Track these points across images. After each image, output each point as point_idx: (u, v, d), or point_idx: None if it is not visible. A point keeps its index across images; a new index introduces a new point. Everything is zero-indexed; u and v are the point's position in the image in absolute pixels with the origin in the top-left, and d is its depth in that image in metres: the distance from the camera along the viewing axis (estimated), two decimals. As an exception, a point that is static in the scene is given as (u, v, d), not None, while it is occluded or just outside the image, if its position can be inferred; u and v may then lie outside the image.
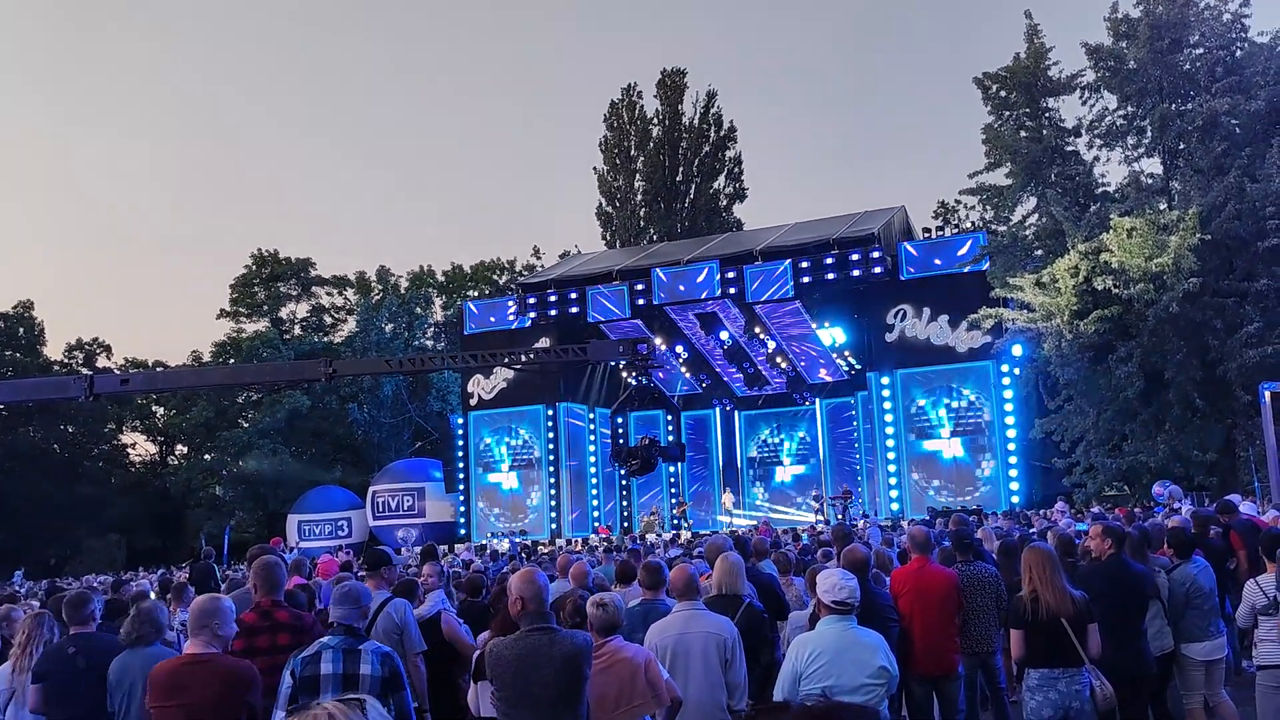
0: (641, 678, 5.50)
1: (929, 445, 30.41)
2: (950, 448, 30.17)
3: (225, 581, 13.97)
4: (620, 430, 39.27)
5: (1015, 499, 28.55)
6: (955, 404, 30.21)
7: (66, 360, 55.47)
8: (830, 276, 30.52)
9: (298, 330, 59.15)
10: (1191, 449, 23.51)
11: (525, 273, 57.36)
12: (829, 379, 36.57)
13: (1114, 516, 15.78)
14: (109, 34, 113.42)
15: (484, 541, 32.15)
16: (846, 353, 33.43)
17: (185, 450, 59.81)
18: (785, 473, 38.96)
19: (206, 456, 55.96)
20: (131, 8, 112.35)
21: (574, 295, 33.82)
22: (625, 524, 38.00)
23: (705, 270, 32.18)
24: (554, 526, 34.70)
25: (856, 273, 30.29)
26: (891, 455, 30.59)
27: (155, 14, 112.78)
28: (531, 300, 34.55)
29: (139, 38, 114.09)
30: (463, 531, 36.08)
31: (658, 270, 32.85)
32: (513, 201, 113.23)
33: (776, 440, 39.25)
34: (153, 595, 10.68)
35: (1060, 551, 7.65)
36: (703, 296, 32.43)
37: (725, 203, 55.68)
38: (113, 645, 6.47)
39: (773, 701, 5.72)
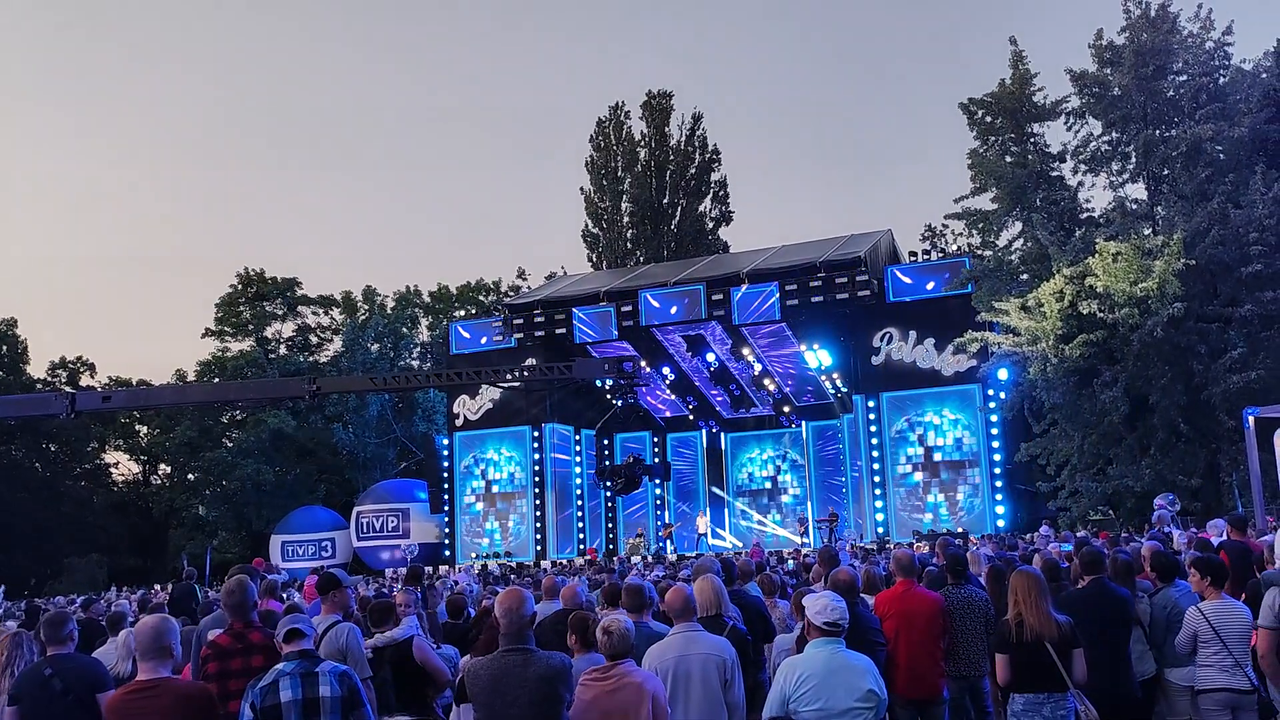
0: (648, 708, 5.47)
1: (914, 468, 30.45)
2: (936, 470, 30.22)
3: (204, 602, 13.85)
4: (606, 451, 39.24)
5: (1000, 522, 28.60)
6: (940, 427, 30.28)
7: (50, 379, 55.20)
8: (816, 299, 30.57)
9: (283, 350, 58.98)
10: (1176, 473, 23.57)
11: (511, 294, 57.34)
12: (815, 401, 36.62)
13: (1097, 540, 15.76)
14: (94, 51, 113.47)
15: (469, 562, 32.05)
16: (833, 375, 33.49)
17: (168, 470, 59.49)
18: (771, 495, 38.94)
19: (190, 476, 55.67)
20: (115, 26, 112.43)
21: (560, 316, 33.79)
22: (610, 545, 37.94)
23: (692, 292, 32.20)
24: (539, 548, 34.59)
25: (843, 296, 30.34)
26: (877, 478, 30.63)
27: (140, 33, 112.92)
28: (518, 321, 34.49)
29: (125, 56, 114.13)
30: (448, 553, 35.95)
31: (644, 292, 32.86)
32: (499, 222, 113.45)
33: (762, 462, 39.24)
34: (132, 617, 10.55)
35: (1046, 576, 7.61)
36: (689, 318, 32.43)
37: (711, 225, 55.76)
38: (91, 666, 6.38)
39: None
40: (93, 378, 56.68)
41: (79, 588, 41.53)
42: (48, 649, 6.37)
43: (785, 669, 5.69)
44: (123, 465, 61.20)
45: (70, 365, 56.60)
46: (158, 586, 29.57)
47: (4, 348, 53.83)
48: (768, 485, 39.11)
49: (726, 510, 38.93)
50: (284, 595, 12.90)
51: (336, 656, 6.99)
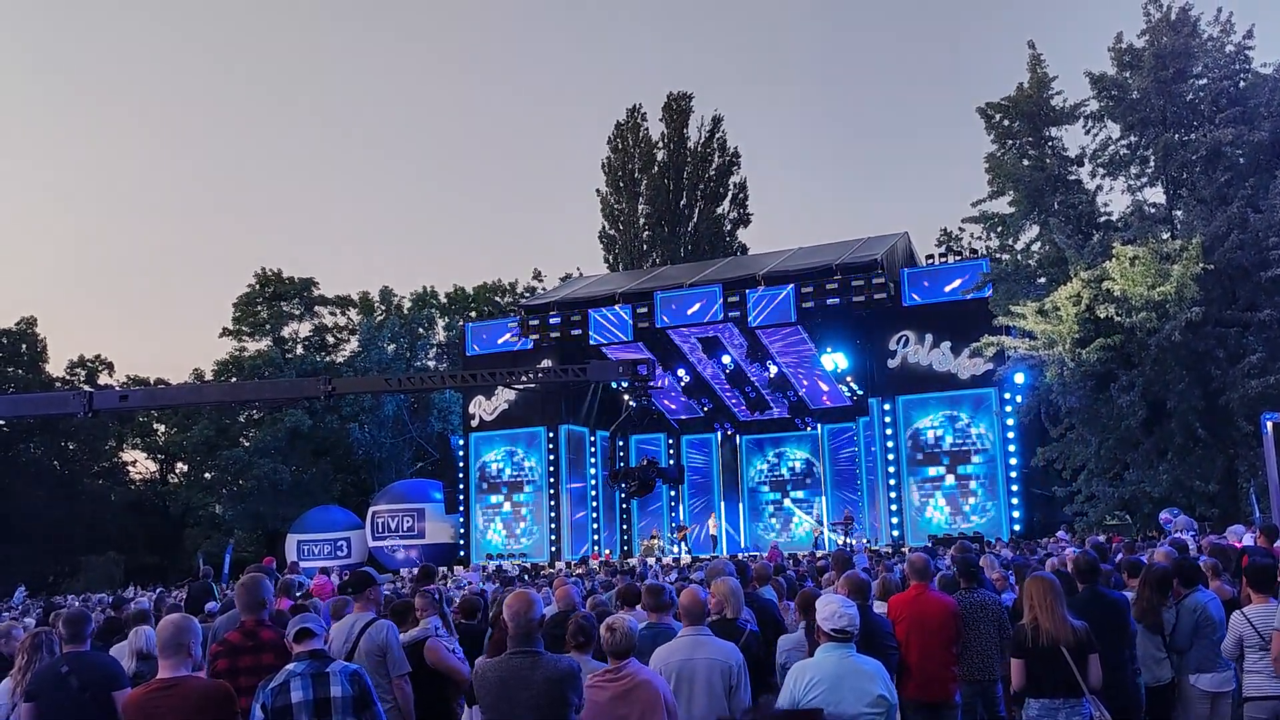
0: (662, 707, 5.47)
1: (930, 472, 30.35)
2: (951, 475, 30.11)
3: (222, 600, 13.90)
4: (621, 453, 39.23)
5: (1016, 527, 28.49)
6: (957, 431, 30.17)
7: (68, 377, 55.49)
8: (833, 302, 30.51)
9: (300, 350, 59.14)
10: (1193, 479, 23.42)
11: (527, 294, 57.38)
12: (831, 404, 36.55)
13: (1113, 546, 15.68)
14: (111, 50, 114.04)
15: (484, 563, 32.07)
16: (849, 378, 33.42)
17: (186, 468, 59.75)
18: (786, 498, 38.86)
19: (207, 475, 55.89)
20: (134, 25, 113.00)
21: (576, 317, 33.81)
22: (625, 547, 37.93)
23: (708, 294, 32.18)
24: (553, 549, 34.61)
25: (859, 298, 30.27)
26: (892, 481, 30.53)
27: (160, 34, 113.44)
28: (533, 322, 34.53)
29: (143, 55, 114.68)
30: (462, 553, 36.00)
31: (660, 293, 32.86)
32: (516, 223, 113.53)
33: (777, 465, 39.16)
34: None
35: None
36: (705, 320, 32.42)
37: (729, 227, 55.72)
38: (108, 665, 6.41)
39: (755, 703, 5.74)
40: (111, 377, 57.01)
41: (96, 586, 41.73)
42: (64, 646, 6.41)
43: (795, 673, 5.68)
44: (140, 464, 61.62)
45: (88, 364, 56.90)
46: (175, 590, 29.70)
47: (23, 346, 54.16)
48: (782, 488, 38.99)
49: (742, 517, 38.82)
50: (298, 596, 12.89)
51: (376, 653, 7.02)
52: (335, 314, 61.11)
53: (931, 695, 8.01)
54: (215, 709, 5.23)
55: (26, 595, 32.81)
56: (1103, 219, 26.70)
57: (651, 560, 28.16)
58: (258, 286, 58.98)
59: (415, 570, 19.60)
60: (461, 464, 37.26)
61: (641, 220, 55.13)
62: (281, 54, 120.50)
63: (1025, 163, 26.88)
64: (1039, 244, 27.06)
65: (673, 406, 38.68)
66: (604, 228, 56.16)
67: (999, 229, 28.04)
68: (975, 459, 29.95)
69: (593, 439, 37.60)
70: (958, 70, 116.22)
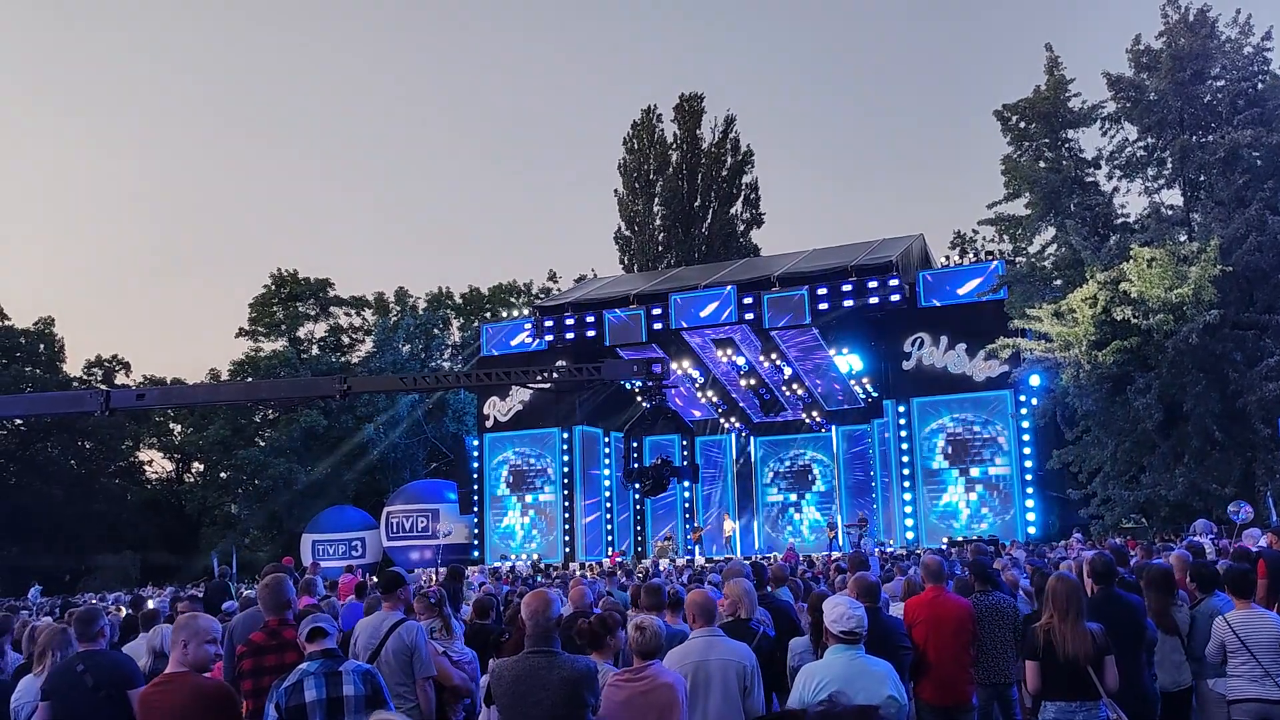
0: (680, 707, 5.46)
1: (945, 474, 30.23)
2: (966, 477, 29.99)
3: (240, 599, 13.94)
4: (635, 453, 39.20)
5: (1032, 529, 28.37)
6: (972, 433, 30.06)
7: (86, 377, 55.72)
8: (848, 304, 30.42)
9: (315, 350, 59.28)
10: (1210, 482, 23.29)
11: (542, 295, 57.41)
12: (845, 406, 36.45)
13: (1132, 551, 15.60)
14: (131, 53, 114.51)
15: (497, 564, 32.09)
16: (864, 380, 33.31)
17: (201, 468, 59.94)
18: (800, 499, 38.77)
19: (222, 474, 56.06)
20: (153, 28, 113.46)
21: (591, 319, 33.79)
22: (639, 548, 37.87)
23: (723, 296, 32.13)
24: (567, 549, 34.60)
25: (874, 300, 30.19)
26: (907, 484, 30.43)
27: (177, 36, 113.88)
28: (549, 323, 34.51)
29: (162, 59, 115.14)
30: (476, 554, 36.02)
31: (675, 295, 32.83)
32: (532, 225, 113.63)
33: (791, 466, 39.08)
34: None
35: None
36: (720, 322, 32.36)
37: (742, 228, 55.63)
38: (122, 663, 6.43)
39: (783, 710, 5.69)
40: (128, 376, 57.25)
41: (111, 585, 41.90)
42: (79, 645, 6.43)
43: (804, 675, 5.67)
44: (156, 463, 61.86)
45: (106, 364, 57.14)
46: (190, 589, 29.80)
47: (41, 346, 54.43)
48: (797, 489, 38.92)
49: (756, 519, 38.72)
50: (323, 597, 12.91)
51: (404, 653, 7.04)
52: (350, 315, 61.31)
53: (949, 698, 7.98)
54: (214, 707, 5.24)
55: (42, 593, 32.97)
56: (1119, 221, 26.60)
57: (665, 562, 28.14)
58: (274, 287, 59.15)
59: (426, 572, 19.68)
60: (476, 464, 37.29)
61: (657, 221, 55.09)
62: (297, 55, 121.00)
63: (1042, 165, 26.79)
64: (1055, 246, 26.96)
65: (683, 404, 38.62)
66: (620, 228, 56.15)
67: (1014, 231, 27.94)
68: (991, 461, 29.81)
69: (607, 440, 37.57)
70: (974, 72, 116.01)
